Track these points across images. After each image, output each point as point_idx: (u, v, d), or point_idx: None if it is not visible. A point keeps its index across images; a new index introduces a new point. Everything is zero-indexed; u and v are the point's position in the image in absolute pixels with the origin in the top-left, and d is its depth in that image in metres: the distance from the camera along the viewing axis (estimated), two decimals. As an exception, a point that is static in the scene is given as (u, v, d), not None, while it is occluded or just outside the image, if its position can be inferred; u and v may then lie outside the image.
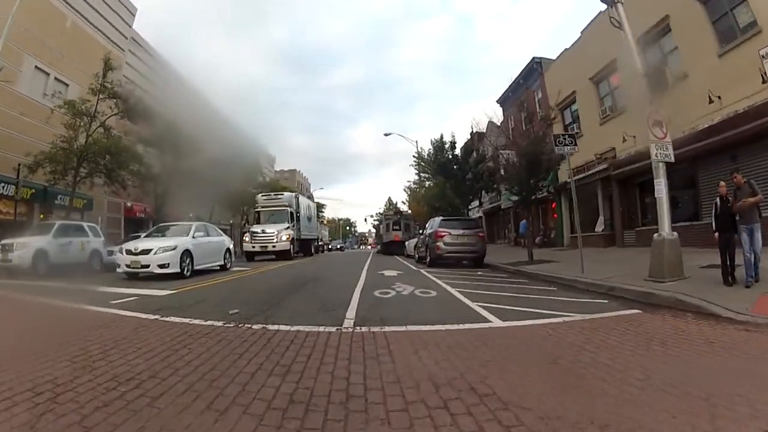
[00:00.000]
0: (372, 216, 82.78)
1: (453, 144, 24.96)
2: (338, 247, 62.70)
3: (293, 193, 25.20)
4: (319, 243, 39.57)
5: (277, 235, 19.59)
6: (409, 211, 34.28)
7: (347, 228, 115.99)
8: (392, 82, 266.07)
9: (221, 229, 16.08)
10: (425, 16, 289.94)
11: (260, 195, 23.98)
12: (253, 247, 19.47)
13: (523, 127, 16.64)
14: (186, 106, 19.11)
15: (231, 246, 14.28)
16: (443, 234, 13.62)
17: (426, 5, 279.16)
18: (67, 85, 20.03)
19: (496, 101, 27.52)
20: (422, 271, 12.11)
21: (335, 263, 18.14)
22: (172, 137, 18.50)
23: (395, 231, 28.65)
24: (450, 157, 24.61)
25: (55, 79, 19.78)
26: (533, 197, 14.60)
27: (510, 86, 26.95)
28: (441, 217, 15.95)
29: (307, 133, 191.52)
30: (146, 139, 19.94)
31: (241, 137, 21.45)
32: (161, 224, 14.02)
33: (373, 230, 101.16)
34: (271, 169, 55.26)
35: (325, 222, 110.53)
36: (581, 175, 17.86)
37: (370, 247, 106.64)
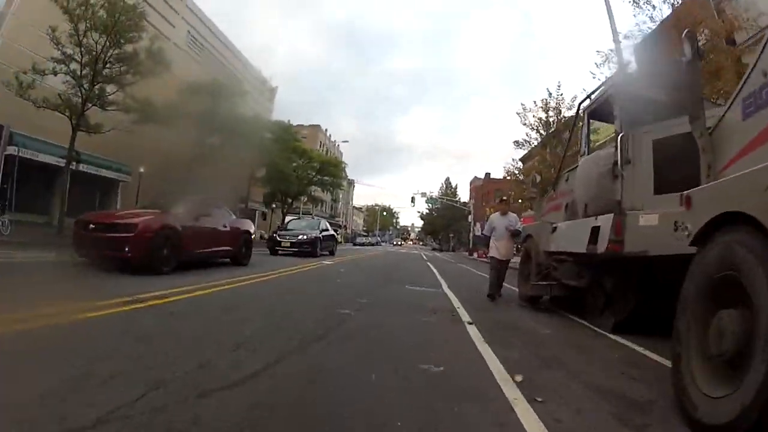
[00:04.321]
0: (423, 195, 47.43)
1: None
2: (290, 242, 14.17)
3: None
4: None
5: None
6: None
7: (384, 214, 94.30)
8: (449, 75, 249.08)
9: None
10: (488, 7, 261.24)
11: None
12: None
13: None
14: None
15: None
16: None
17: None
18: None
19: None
20: None
21: None
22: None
23: None
24: None
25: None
26: None
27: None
28: None
29: (355, 117, 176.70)
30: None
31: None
32: None
33: (420, 221, 67.20)
34: (269, 105, 29.01)
35: (363, 209, 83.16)
36: None
37: (411, 243, 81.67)
